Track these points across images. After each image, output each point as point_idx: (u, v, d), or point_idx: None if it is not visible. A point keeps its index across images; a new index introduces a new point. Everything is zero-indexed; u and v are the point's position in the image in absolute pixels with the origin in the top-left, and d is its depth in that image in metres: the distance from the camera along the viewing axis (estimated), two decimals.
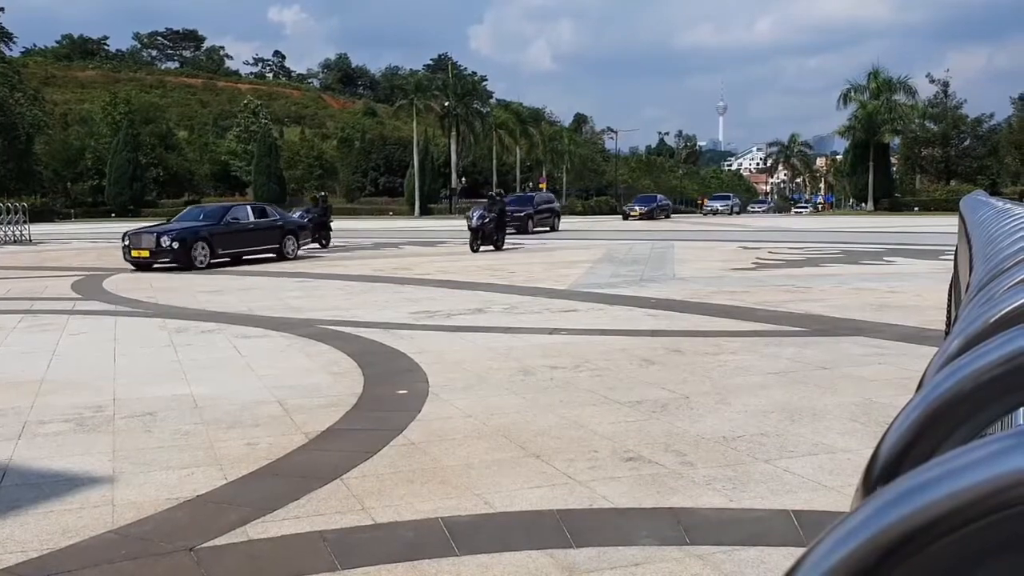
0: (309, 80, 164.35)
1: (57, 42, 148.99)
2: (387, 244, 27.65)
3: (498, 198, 27.28)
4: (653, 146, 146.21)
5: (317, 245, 26.86)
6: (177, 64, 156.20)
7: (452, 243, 30.08)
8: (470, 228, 25.29)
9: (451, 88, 78.42)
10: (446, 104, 75.74)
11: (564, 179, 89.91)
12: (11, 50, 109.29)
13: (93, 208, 70.91)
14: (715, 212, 60.64)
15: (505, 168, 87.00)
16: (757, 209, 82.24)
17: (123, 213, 67.84)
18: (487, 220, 25.35)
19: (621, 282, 15.97)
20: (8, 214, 34.24)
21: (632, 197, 74.49)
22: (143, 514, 4.56)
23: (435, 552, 4.04)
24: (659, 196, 55.41)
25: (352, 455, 5.50)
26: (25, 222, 34.52)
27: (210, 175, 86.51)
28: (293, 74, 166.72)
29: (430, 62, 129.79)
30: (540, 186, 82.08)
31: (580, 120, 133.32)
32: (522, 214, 35.71)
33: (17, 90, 70.37)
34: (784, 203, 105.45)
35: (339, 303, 13.48)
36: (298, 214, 27.28)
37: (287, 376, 7.99)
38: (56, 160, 75.72)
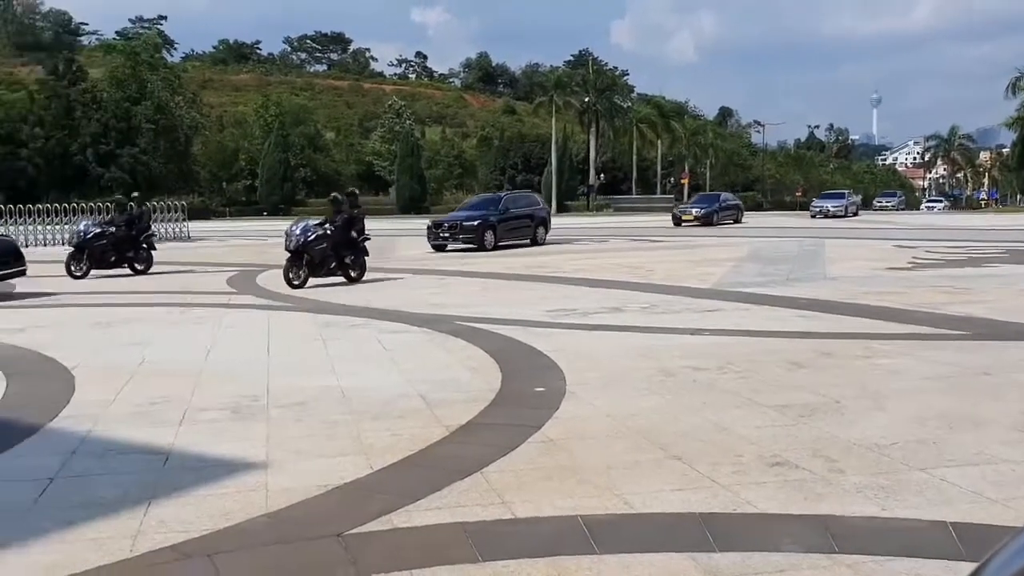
0: (450, 80, 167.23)
1: (214, 48, 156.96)
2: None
3: (344, 201, 17.42)
4: (802, 140, 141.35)
5: (129, 270, 19.97)
6: (325, 67, 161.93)
7: (589, 241, 30.00)
8: (288, 250, 15.99)
9: (591, 84, 78.14)
10: (586, 100, 75.52)
11: (708, 174, 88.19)
12: (172, 56, 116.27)
13: (246, 207, 74.32)
14: (826, 214, 48.54)
15: (646, 163, 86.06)
16: (933, 207, 76.27)
17: (274, 212, 70.85)
18: (312, 239, 15.84)
19: (768, 281, 15.53)
20: (169, 212, 36.34)
21: (784, 192, 71.37)
22: (294, 499, 4.73)
23: (575, 549, 4.02)
24: (724, 194, 48.09)
25: (491, 449, 5.55)
26: (185, 220, 36.53)
27: (355, 175, 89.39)
28: (435, 74, 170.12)
29: (570, 58, 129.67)
30: (682, 181, 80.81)
31: (725, 113, 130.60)
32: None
33: (177, 94, 74.62)
34: (951, 199, 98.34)
35: (476, 300, 13.67)
36: (83, 224, 21.00)
37: (428, 371, 8.14)
38: (213, 161, 79.89)
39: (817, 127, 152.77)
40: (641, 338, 9.70)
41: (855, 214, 51.32)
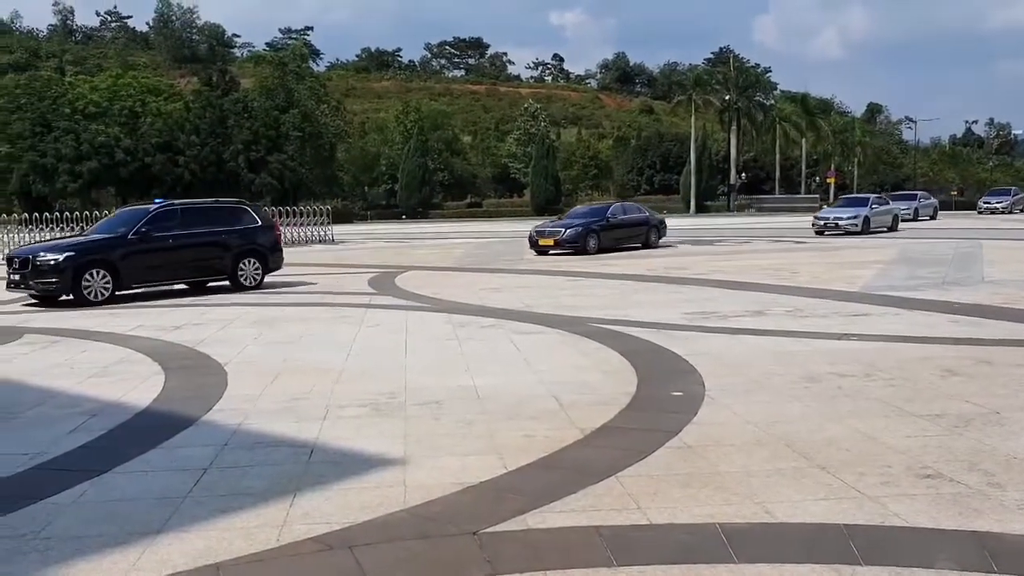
0: (587, 81, 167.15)
1: (357, 56, 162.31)
2: (661, 243, 27.34)
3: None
4: (959, 136, 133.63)
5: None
6: (463, 72, 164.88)
7: (729, 242, 29.34)
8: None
9: (732, 81, 76.42)
10: (726, 98, 73.92)
11: (855, 172, 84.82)
12: (318, 66, 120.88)
13: (386, 210, 76.43)
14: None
15: (789, 162, 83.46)
16: None
17: (412, 215, 72.56)
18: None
19: (920, 284, 14.79)
20: (314, 216, 37.75)
21: (938, 190, 68.29)
22: (431, 496, 4.81)
23: (712, 557, 3.93)
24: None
25: (627, 454, 5.49)
26: (329, 223, 37.85)
27: (491, 178, 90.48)
28: (572, 76, 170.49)
29: (710, 56, 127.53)
30: (828, 180, 77.99)
31: (873, 110, 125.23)
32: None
33: (322, 102, 77.46)
34: None
35: (612, 302, 13.57)
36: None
37: (561, 372, 8.14)
38: (355, 166, 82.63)
39: (975, 122, 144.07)
40: (784, 342, 9.40)
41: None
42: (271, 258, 17.43)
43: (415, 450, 5.72)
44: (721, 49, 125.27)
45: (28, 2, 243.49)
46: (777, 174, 79.28)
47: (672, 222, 34.85)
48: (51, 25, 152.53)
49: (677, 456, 5.44)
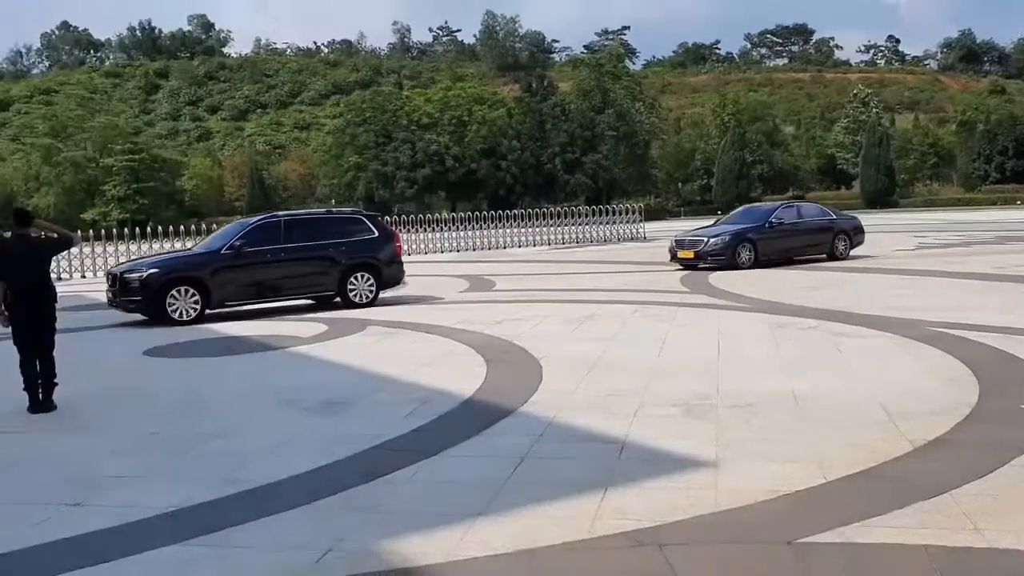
0: (925, 62, 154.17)
1: (673, 52, 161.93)
2: (1018, 237, 23.87)
3: None
4: None
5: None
6: (786, 60, 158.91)
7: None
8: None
9: None
10: None
11: None
12: (634, 64, 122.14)
13: (700, 206, 75.46)
14: None
15: None
16: None
17: (727, 210, 71.09)
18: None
19: None
20: (626, 214, 38.19)
21: None
22: (743, 501, 4.69)
23: None
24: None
25: (963, 470, 5.02)
26: (641, 221, 38.11)
27: (815, 170, 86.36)
28: (907, 58, 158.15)
29: None
30: None
31: None
32: None
33: (637, 100, 78.28)
34: None
35: (949, 303, 12.42)
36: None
37: (890, 378, 7.59)
38: (669, 162, 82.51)
39: None
40: None
41: None
42: (386, 272, 15.76)
43: (727, 453, 5.60)
44: None
45: (371, 23, 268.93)
46: None
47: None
48: (391, 43, 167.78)
49: None
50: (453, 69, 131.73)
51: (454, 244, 35.26)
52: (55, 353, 7.96)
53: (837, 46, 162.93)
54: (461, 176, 72.26)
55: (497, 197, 69.60)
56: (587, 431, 6.29)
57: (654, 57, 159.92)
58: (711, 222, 24.98)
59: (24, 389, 7.79)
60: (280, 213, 16.63)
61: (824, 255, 20.99)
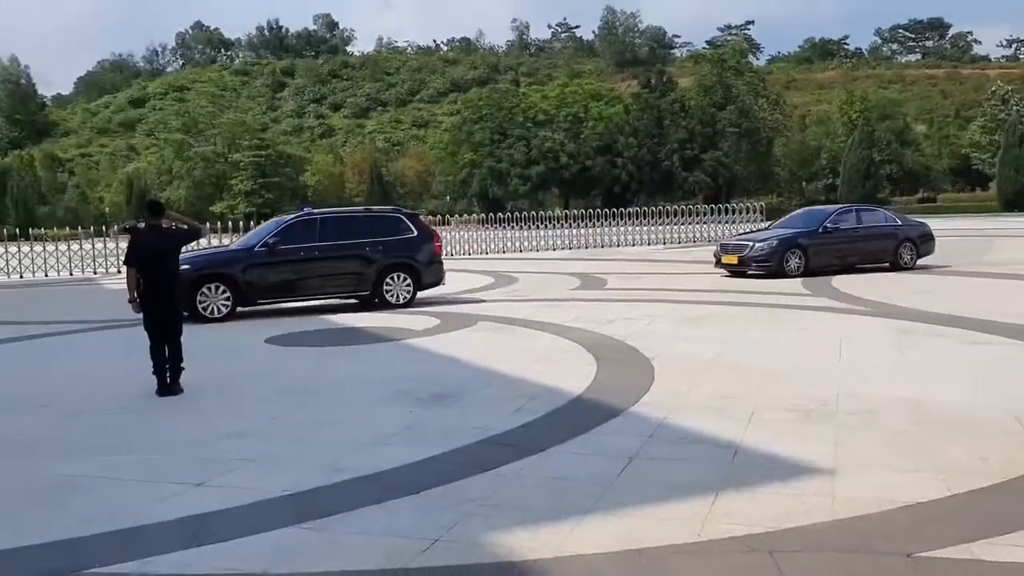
0: None
1: (799, 47, 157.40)
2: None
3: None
4: None
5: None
6: (918, 56, 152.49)
7: None
8: None
9: None
10: None
11: None
12: (758, 60, 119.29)
13: (826, 206, 73.23)
14: None
15: None
16: None
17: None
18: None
19: None
20: (745, 213, 37.42)
21: None
22: (861, 511, 4.52)
23: None
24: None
25: None
26: (762, 220, 37.27)
27: (948, 170, 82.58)
28: None
29: None
30: None
31: None
32: None
33: (761, 96, 76.34)
34: None
35: None
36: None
37: (1023, 388, 7.19)
38: (792, 160, 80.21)
39: None
40: None
41: None
42: (424, 273, 15.34)
43: (845, 461, 5.41)
44: None
45: (491, 21, 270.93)
46: None
47: None
48: (509, 40, 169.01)
49: None
50: (570, 66, 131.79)
51: (566, 242, 35.25)
52: (182, 339, 8.35)
53: (976, 41, 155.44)
54: (575, 173, 72.21)
55: (612, 194, 69.27)
56: (699, 433, 6.18)
57: (779, 53, 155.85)
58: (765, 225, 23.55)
59: (153, 373, 8.21)
60: (317, 211, 16.08)
61: (887, 264, 19.40)
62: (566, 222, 37.25)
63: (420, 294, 15.34)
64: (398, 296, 15.01)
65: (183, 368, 8.32)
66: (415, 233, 15.58)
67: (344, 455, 5.92)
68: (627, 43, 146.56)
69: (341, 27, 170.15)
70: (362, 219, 15.93)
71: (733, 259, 19.03)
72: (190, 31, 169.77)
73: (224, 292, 13.89)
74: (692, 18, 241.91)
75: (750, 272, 18.56)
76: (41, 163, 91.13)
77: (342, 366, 9.77)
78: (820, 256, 18.77)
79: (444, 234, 35.45)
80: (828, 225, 19.31)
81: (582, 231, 35.49)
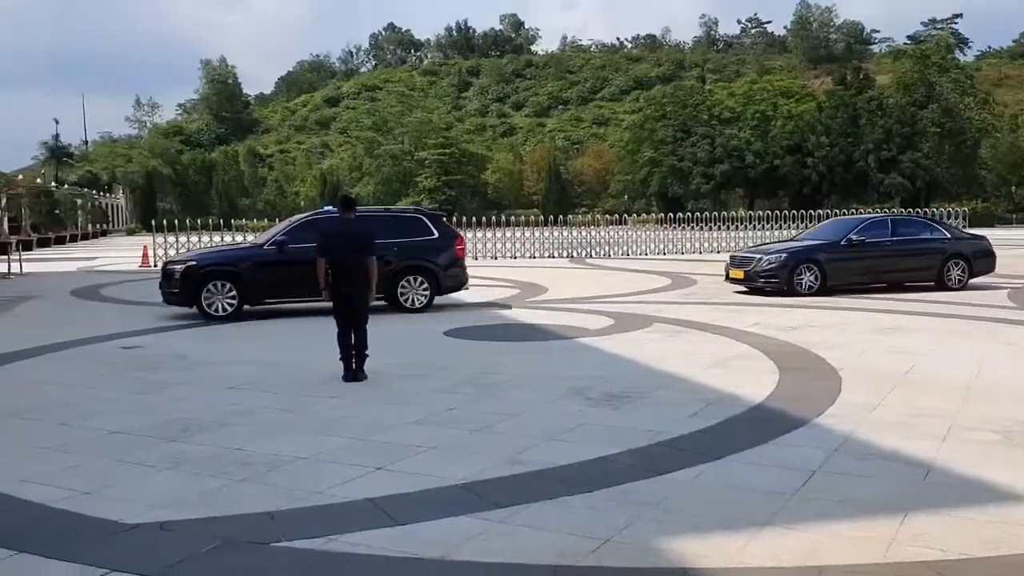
0: None
1: (1014, 41, 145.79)
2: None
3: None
4: None
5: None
6: None
7: None
8: None
9: None
10: None
11: None
12: (965, 55, 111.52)
13: None
14: None
15: None
16: None
17: None
18: None
19: None
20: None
21: None
22: None
23: None
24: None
25: None
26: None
27: None
28: None
29: None
30: None
31: None
32: None
33: (967, 95, 71.27)
34: None
35: None
36: None
37: None
38: (1001, 163, 74.26)
39: None
40: None
41: None
42: (443, 276, 14.64)
43: None
44: None
45: (678, 17, 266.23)
46: None
47: None
48: (696, 37, 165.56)
49: None
50: (760, 62, 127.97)
51: (750, 243, 34.24)
52: (367, 327, 8.72)
53: None
54: (762, 173, 69.99)
55: (801, 196, 66.76)
56: (889, 450, 5.85)
57: (989, 48, 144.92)
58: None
59: (340, 359, 8.63)
60: (330, 209, 14.88)
61: (932, 282, 17.20)
62: (750, 223, 36.21)
63: (569, 294, 15.10)
64: (413, 300, 14.47)
65: (368, 355, 8.69)
66: (435, 235, 14.96)
67: (519, 449, 5.99)
68: (821, 38, 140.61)
69: (527, 27, 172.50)
70: (378, 220, 14.83)
71: (739, 273, 17.25)
72: (383, 32, 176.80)
73: (230, 290, 13.75)
74: (893, 12, 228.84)
75: (767, 288, 16.65)
76: (244, 158, 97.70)
77: (517, 361, 9.89)
78: (841, 273, 16.73)
79: (619, 234, 35.41)
80: (853, 237, 17.08)
81: (766, 233, 34.38)
